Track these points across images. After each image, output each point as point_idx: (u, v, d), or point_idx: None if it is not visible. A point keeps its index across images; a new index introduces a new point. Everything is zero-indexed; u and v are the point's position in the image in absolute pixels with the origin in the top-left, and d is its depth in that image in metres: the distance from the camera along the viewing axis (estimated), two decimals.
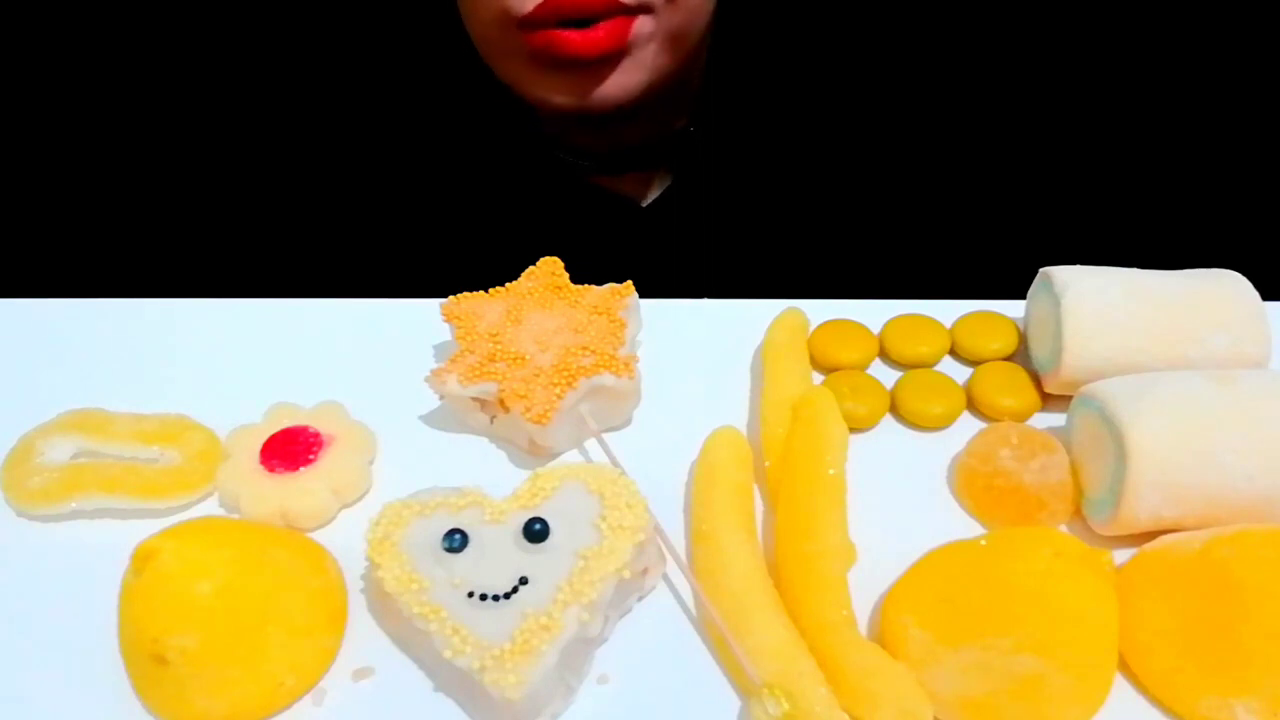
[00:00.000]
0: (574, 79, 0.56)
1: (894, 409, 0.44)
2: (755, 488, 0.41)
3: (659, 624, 0.37)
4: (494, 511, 0.36)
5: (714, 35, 0.64)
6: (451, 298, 0.46)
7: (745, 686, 0.34)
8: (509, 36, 0.55)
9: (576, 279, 0.47)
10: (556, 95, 0.57)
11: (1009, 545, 0.34)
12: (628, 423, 0.45)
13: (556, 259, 0.47)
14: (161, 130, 0.75)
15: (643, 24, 0.54)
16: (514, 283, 0.47)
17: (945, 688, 0.33)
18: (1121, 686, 0.34)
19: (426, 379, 0.43)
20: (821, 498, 0.38)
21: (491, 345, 0.43)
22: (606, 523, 0.35)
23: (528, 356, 0.43)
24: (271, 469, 0.41)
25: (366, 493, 0.42)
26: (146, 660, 0.33)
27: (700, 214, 0.66)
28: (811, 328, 0.47)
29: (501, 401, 0.42)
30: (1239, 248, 0.51)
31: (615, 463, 0.41)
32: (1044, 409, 0.44)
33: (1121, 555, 0.37)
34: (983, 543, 0.35)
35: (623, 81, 0.56)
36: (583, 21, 0.52)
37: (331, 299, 0.51)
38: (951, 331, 0.47)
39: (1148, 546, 0.36)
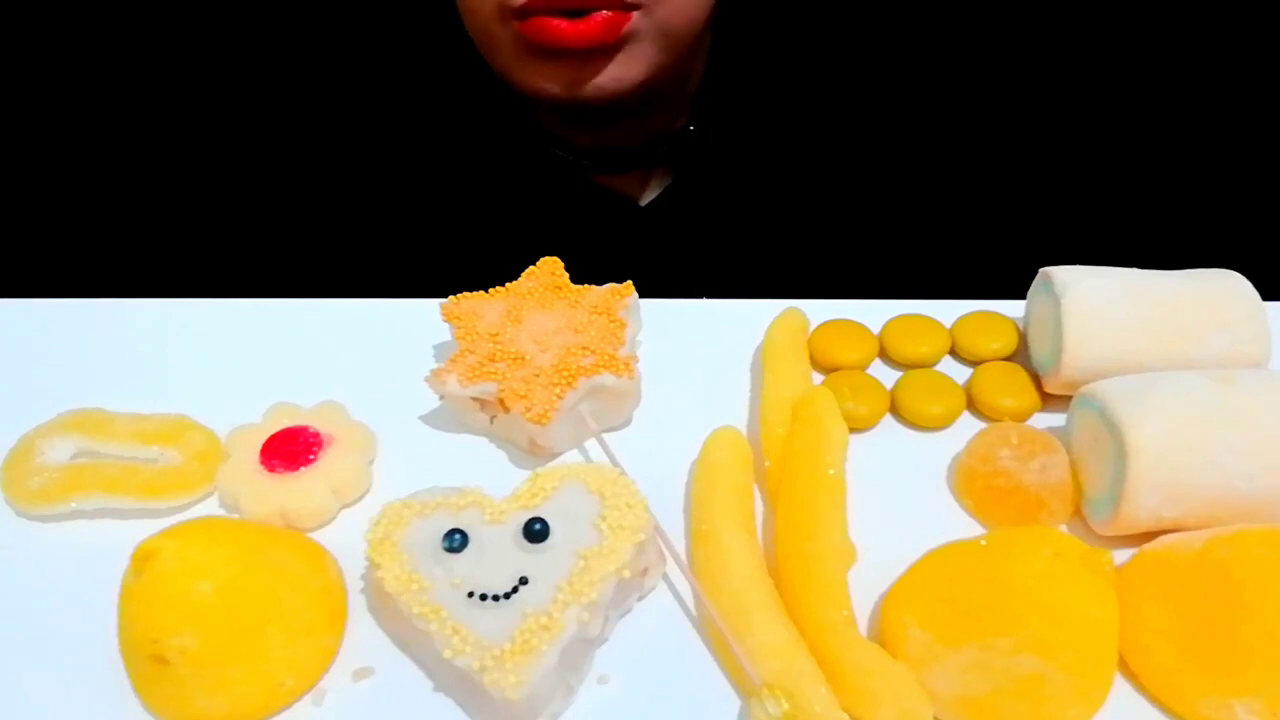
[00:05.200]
0: (566, 69, 0.56)
1: (894, 409, 0.44)
2: (755, 488, 0.41)
3: (659, 624, 0.37)
4: (494, 511, 0.36)
5: (714, 34, 0.64)
6: (451, 298, 0.46)
7: (745, 686, 0.34)
8: (504, 27, 0.55)
9: (576, 278, 0.47)
10: (550, 85, 0.57)
11: (1009, 545, 0.34)
12: (628, 423, 0.45)
13: (556, 259, 0.47)
14: (161, 130, 0.75)
15: (637, 19, 0.54)
16: (514, 283, 0.47)
17: (945, 688, 0.33)
18: (1121, 686, 0.34)
19: (426, 379, 0.43)
20: (821, 498, 0.38)
21: (491, 345, 0.43)
22: (606, 523, 0.35)
23: (528, 356, 0.43)
24: (271, 469, 0.41)
25: (366, 493, 0.42)
26: (146, 660, 0.33)
27: (700, 213, 0.66)
28: (811, 328, 0.47)
29: (501, 401, 0.42)
30: (1239, 248, 0.51)
31: (615, 463, 0.41)
32: (1044, 409, 0.44)
33: (1121, 555, 0.37)
34: (983, 543, 0.35)
35: (616, 74, 0.56)
36: (575, 13, 0.53)
37: (331, 299, 0.51)
38: (951, 331, 0.47)
39: (1148, 546, 0.37)
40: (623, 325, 0.44)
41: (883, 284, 0.53)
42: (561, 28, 0.53)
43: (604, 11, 0.53)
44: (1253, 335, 0.41)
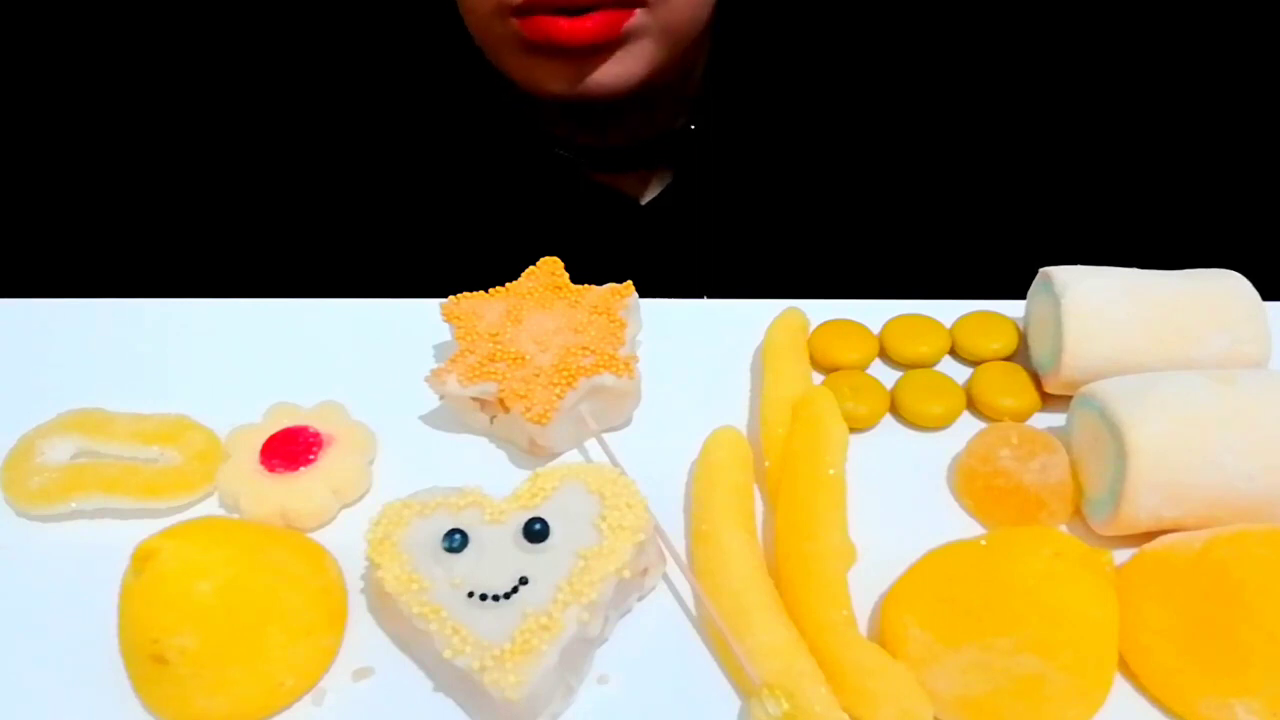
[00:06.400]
0: (567, 66, 0.55)
1: (894, 409, 0.44)
2: (755, 488, 0.41)
3: (659, 624, 0.37)
4: (494, 511, 0.36)
5: (715, 33, 0.64)
6: (451, 298, 0.46)
7: (745, 686, 0.34)
8: (504, 24, 0.55)
9: (576, 277, 0.47)
10: (550, 83, 0.57)
11: (1009, 545, 0.34)
12: (628, 423, 0.45)
13: (556, 259, 0.47)
14: (161, 130, 0.75)
15: (638, 17, 0.54)
16: (514, 283, 0.47)
17: (945, 688, 0.33)
18: (1121, 686, 0.34)
19: (426, 379, 0.43)
20: (821, 498, 0.38)
21: (491, 345, 0.43)
22: (606, 523, 0.35)
23: (528, 356, 0.43)
24: (271, 469, 0.41)
25: (366, 493, 0.42)
26: (146, 660, 0.33)
27: (700, 213, 0.66)
28: (811, 328, 0.47)
29: (501, 401, 0.42)
30: (1239, 248, 0.51)
31: (615, 463, 0.41)
32: (1044, 409, 0.44)
33: (1121, 555, 0.37)
34: (983, 543, 0.35)
35: (617, 71, 0.56)
36: (576, 11, 0.53)
37: (331, 299, 0.51)
38: (951, 331, 0.47)
39: (1148, 546, 0.37)
40: (623, 325, 0.44)
41: (883, 284, 0.53)
42: (560, 25, 0.53)
43: (604, 10, 0.53)
44: (1253, 335, 0.41)
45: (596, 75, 0.56)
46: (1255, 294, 0.42)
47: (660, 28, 0.56)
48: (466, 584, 0.34)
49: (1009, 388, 0.44)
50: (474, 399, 0.43)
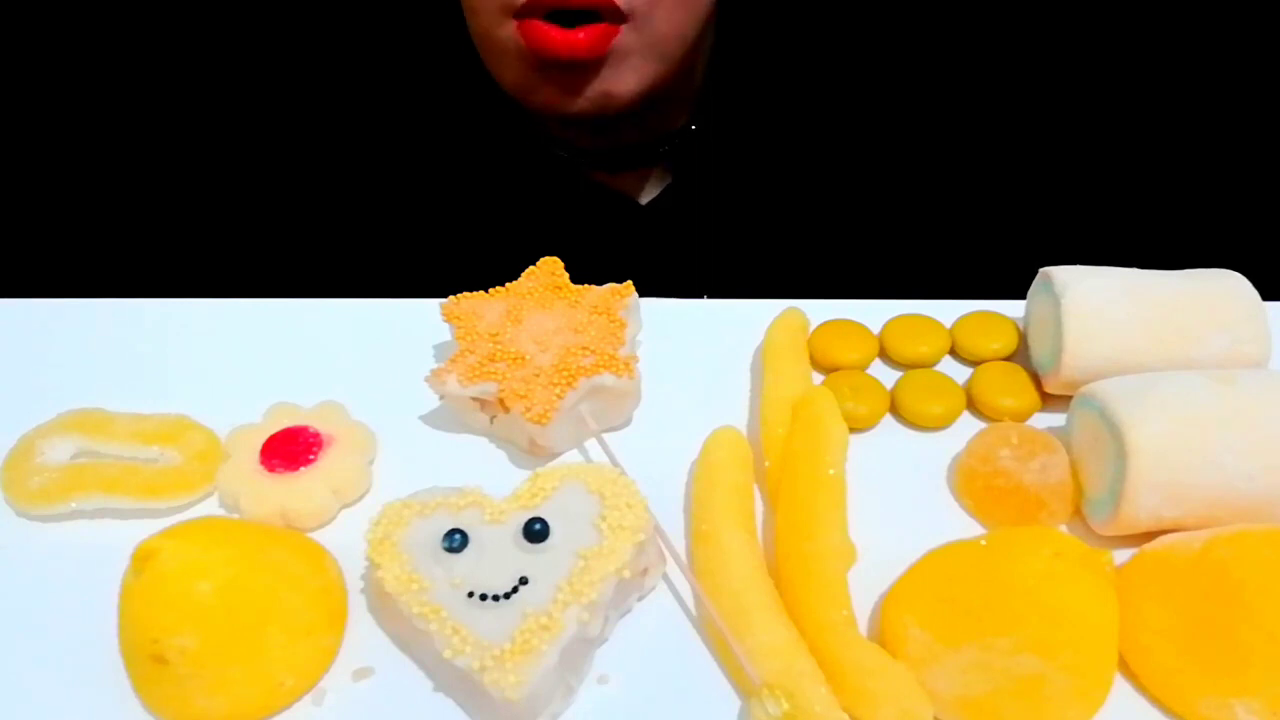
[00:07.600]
0: (560, 80, 0.56)
1: (894, 409, 0.44)
2: (755, 488, 0.41)
3: (659, 624, 0.37)
4: (494, 511, 0.36)
5: (716, 34, 0.64)
6: (451, 298, 0.46)
7: (745, 686, 0.34)
8: (504, 28, 0.55)
9: (576, 277, 0.47)
10: (544, 97, 0.57)
11: (1009, 545, 0.34)
12: (628, 423, 0.45)
13: (556, 259, 0.48)
14: (161, 130, 0.75)
15: (625, 34, 0.54)
16: (514, 283, 0.47)
17: (945, 688, 0.33)
18: (1121, 686, 0.34)
19: (426, 379, 0.43)
20: (821, 498, 0.38)
21: (491, 345, 0.43)
22: (606, 523, 0.35)
23: (528, 356, 0.43)
24: (271, 469, 0.41)
25: (366, 493, 0.42)
26: (146, 660, 0.33)
27: (700, 212, 0.66)
28: (811, 328, 0.47)
29: (501, 401, 0.42)
30: (1239, 248, 0.51)
31: (615, 463, 0.41)
32: (1044, 409, 0.44)
33: (1121, 555, 0.37)
34: (983, 543, 0.35)
35: (606, 88, 0.56)
36: (569, 21, 0.53)
37: (331, 299, 0.51)
38: (951, 331, 0.47)
39: (1148, 546, 0.37)
40: (623, 325, 0.44)
41: (883, 284, 0.53)
42: (552, 35, 0.53)
43: (596, 24, 0.53)
44: (1253, 335, 0.41)
45: (587, 92, 0.56)
46: (1255, 294, 0.42)
47: (646, 44, 0.56)
48: (466, 584, 0.34)
49: (1009, 388, 0.44)
50: (474, 399, 0.43)
